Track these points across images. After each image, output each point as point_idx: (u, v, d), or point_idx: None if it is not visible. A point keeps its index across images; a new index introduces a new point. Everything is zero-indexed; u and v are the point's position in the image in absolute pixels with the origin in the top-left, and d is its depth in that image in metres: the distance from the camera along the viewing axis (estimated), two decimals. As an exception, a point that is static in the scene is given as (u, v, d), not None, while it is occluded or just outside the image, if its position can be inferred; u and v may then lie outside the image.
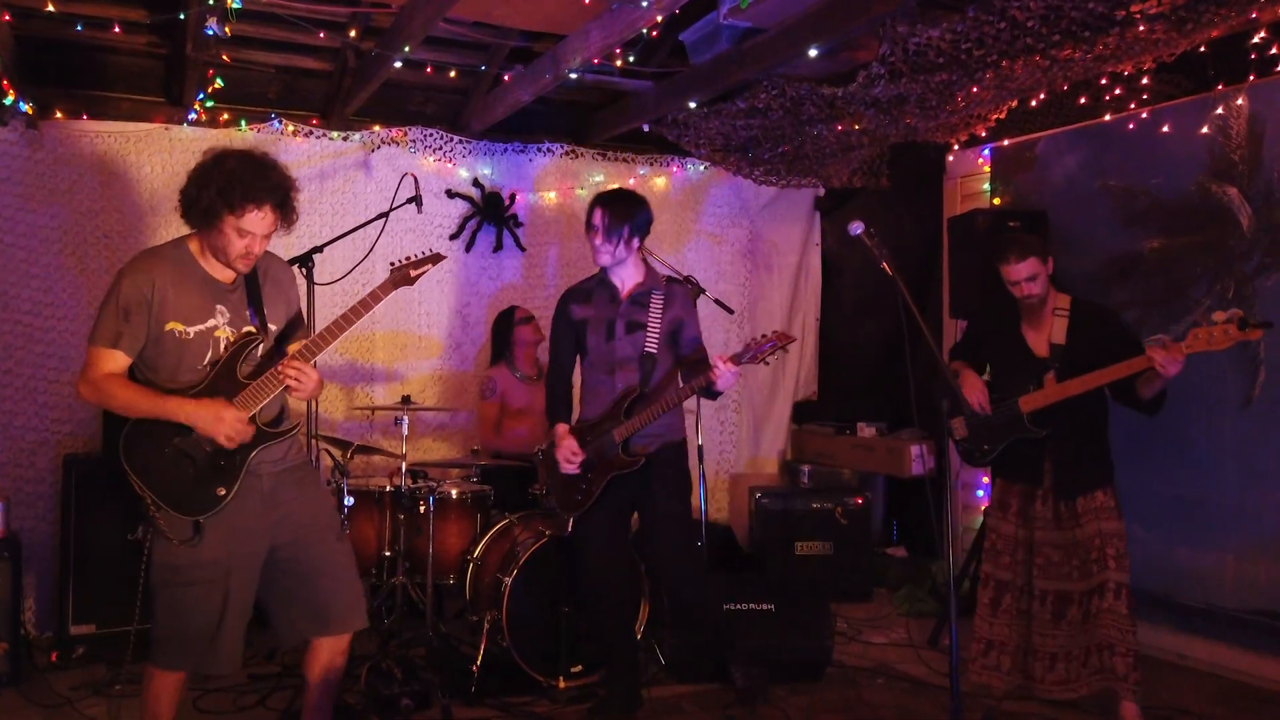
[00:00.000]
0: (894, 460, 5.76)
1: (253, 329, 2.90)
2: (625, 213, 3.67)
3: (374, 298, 2.97)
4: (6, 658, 4.08)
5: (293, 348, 2.95)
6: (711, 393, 3.58)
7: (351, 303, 5.21)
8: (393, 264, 3.05)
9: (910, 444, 5.71)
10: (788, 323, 6.57)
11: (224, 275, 2.89)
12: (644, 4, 3.63)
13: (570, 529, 3.84)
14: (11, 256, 4.76)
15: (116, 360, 2.80)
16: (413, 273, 3.04)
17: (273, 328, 2.97)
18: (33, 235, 4.79)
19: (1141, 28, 3.48)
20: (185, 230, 5.00)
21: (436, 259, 3.08)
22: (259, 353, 2.92)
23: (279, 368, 2.82)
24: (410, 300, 5.55)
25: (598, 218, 3.66)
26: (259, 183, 2.74)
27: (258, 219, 2.77)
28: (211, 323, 2.84)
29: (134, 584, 4.34)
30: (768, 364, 3.57)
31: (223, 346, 2.85)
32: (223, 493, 2.80)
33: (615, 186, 3.85)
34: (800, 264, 6.63)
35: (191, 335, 2.81)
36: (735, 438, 6.43)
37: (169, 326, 2.79)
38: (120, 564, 4.42)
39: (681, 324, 3.77)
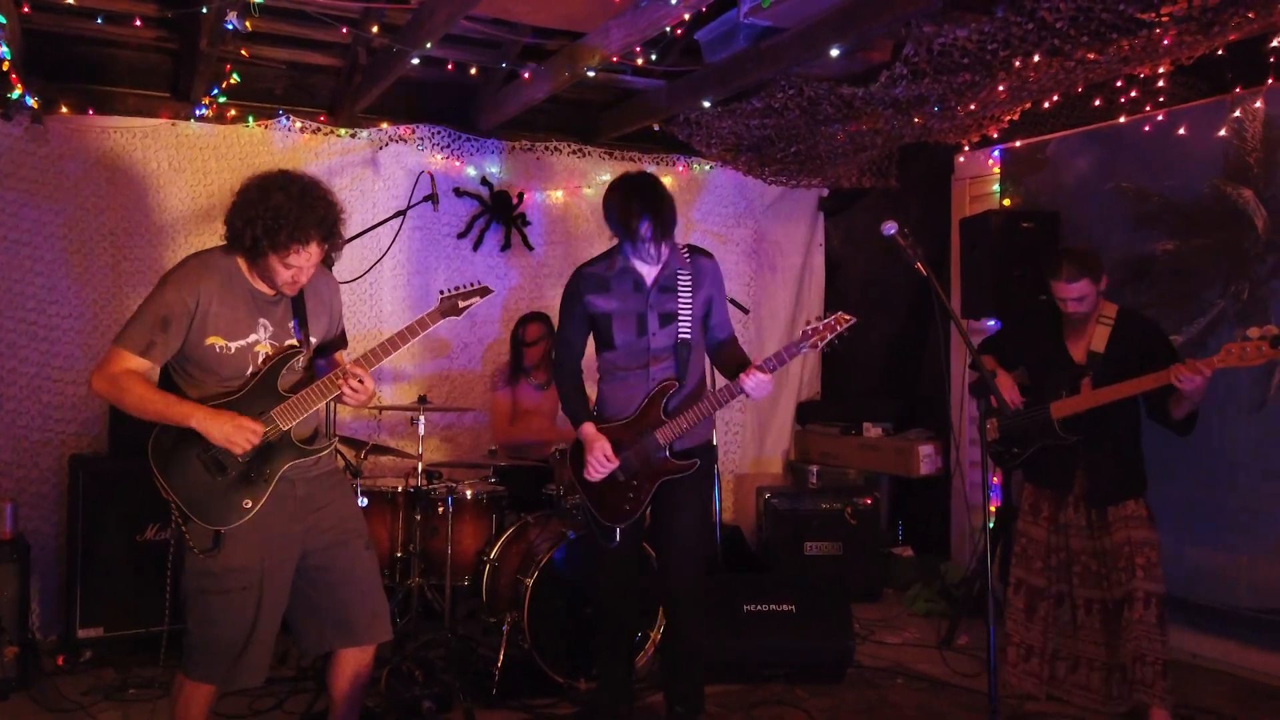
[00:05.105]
0: (902, 460, 5.77)
1: (295, 343, 2.86)
2: (671, 209, 3.33)
3: (421, 325, 2.94)
4: (15, 661, 4.01)
5: (340, 356, 2.93)
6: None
7: (361, 304, 5.29)
8: (442, 293, 3.03)
9: (919, 444, 5.72)
10: (792, 323, 6.57)
11: (268, 288, 2.84)
12: (672, 1, 3.60)
13: (618, 539, 3.45)
14: (16, 253, 4.67)
15: (139, 366, 2.74)
16: (461, 304, 3.01)
17: (314, 340, 2.94)
18: (37, 231, 4.71)
19: (1170, 30, 3.49)
20: (192, 229, 5.01)
21: (484, 292, 3.05)
22: (300, 365, 2.88)
23: (334, 377, 2.79)
24: (418, 299, 5.49)
25: (647, 230, 3.27)
26: (305, 220, 2.67)
27: (304, 255, 2.73)
28: (253, 337, 2.80)
29: (143, 586, 4.33)
30: (826, 351, 3.26)
31: (261, 359, 2.81)
32: (248, 505, 2.77)
33: (623, 176, 3.44)
34: (804, 264, 6.64)
35: (233, 350, 2.77)
36: (740, 438, 6.42)
37: (210, 341, 2.74)
38: (129, 566, 4.38)
39: (712, 303, 3.47)
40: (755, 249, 6.47)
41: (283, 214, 2.65)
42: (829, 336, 3.21)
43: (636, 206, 3.28)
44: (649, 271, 3.42)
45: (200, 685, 2.84)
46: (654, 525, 3.49)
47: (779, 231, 6.54)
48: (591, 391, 3.58)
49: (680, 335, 3.37)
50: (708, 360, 3.66)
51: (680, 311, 3.37)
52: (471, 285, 3.07)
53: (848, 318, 3.23)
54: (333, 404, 4.03)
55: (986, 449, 4.00)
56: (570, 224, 5.96)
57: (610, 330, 3.43)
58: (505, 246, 5.76)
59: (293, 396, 2.80)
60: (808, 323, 3.26)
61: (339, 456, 4.50)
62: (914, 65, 3.95)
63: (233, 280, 2.79)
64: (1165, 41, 3.62)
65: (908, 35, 3.84)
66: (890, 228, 3.18)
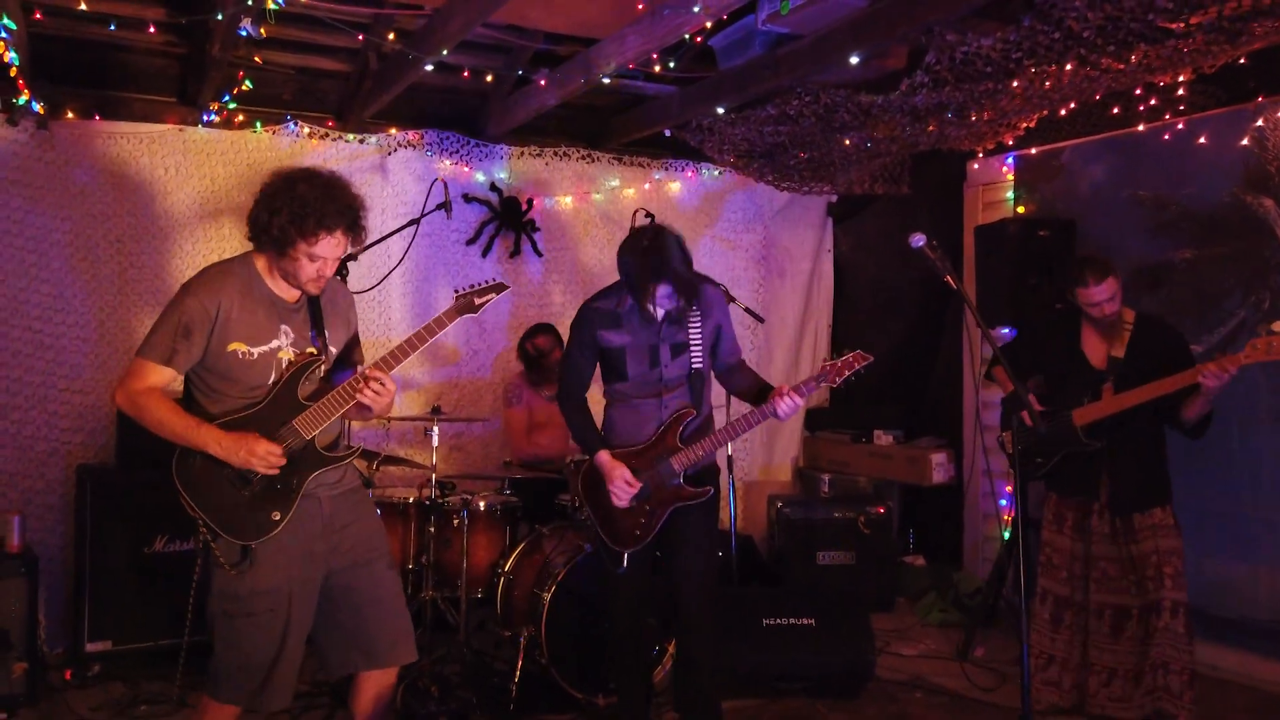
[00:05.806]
0: (915, 468, 5.73)
1: (314, 350, 2.82)
2: (690, 265, 3.32)
3: (439, 324, 2.88)
4: (24, 677, 3.94)
5: (363, 367, 2.88)
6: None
7: (370, 312, 5.23)
8: (457, 291, 2.98)
9: (931, 452, 5.68)
10: (800, 329, 6.54)
11: (289, 294, 2.80)
12: (695, 9, 3.55)
13: (625, 565, 3.41)
14: (21, 261, 4.61)
15: (163, 376, 2.70)
16: (477, 300, 2.96)
17: (333, 350, 2.89)
18: (43, 238, 4.65)
19: (1197, 39, 3.45)
20: (200, 235, 4.96)
21: (500, 288, 3.01)
22: (319, 374, 2.84)
23: (353, 382, 2.74)
24: (427, 306, 5.44)
25: (668, 298, 3.28)
26: (331, 207, 2.65)
27: (331, 244, 2.69)
28: (275, 343, 2.75)
29: (152, 599, 4.28)
30: (843, 387, 3.31)
31: (285, 365, 2.77)
32: (277, 517, 2.72)
33: (637, 234, 3.42)
34: (813, 270, 6.61)
35: (255, 356, 2.72)
36: (749, 445, 6.38)
37: (232, 347, 2.69)
38: (137, 578, 4.32)
39: (720, 330, 3.51)
40: (764, 255, 6.44)
41: (309, 202, 2.62)
42: (847, 374, 3.27)
43: (653, 273, 3.25)
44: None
45: (225, 707, 2.78)
46: (663, 551, 3.47)
47: (788, 237, 6.51)
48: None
49: (694, 366, 3.41)
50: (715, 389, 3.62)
51: (692, 342, 3.41)
52: (487, 282, 3.03)
53: (865, 356, 3.28)
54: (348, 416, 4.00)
55: (1013, 460, 3.96)
56: (579, 230, 5.91)
57: (623, 363, 3.43)
58: (514, 253, 5.71)
59: (313, 405, 2.76)
60: (825, 359, 3.26)
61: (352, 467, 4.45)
62: (935, 73, 3.90)
63: (252, 286, 2.75)
64: (1191, 50, 3.58)
65: (929, 43, 3.79)
66: (919, 240, 3.13)
